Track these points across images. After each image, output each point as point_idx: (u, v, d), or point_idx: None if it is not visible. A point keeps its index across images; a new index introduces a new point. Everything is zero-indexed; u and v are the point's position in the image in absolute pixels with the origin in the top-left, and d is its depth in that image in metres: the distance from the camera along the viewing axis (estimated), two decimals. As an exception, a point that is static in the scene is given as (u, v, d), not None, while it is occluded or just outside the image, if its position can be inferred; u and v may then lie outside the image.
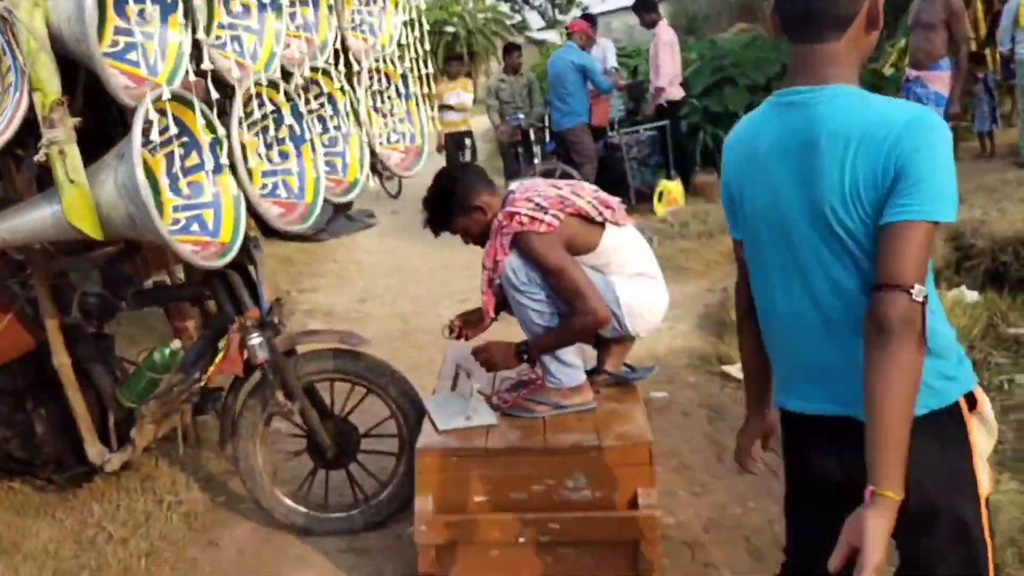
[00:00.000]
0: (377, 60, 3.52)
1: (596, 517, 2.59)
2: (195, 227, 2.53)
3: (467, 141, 9.76)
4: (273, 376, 3.10)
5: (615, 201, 2.84)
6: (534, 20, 47.80)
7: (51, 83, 2.19)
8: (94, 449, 3.23)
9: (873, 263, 1.44)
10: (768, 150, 1.57)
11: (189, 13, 2.50)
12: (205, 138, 2.50)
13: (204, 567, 3.17)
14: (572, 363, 2.84)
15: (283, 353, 3.16)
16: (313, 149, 2.95)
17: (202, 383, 3.16)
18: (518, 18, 45.59)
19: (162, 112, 2.37)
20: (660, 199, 8.01)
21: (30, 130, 2.24)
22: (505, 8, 43.07)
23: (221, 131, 2.55)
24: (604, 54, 8.95)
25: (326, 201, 3.04)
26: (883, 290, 1.39)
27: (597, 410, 2.85)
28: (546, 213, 2.65)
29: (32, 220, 2.40)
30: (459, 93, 9.56)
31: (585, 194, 2.75)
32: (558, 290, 2.67)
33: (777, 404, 1.76)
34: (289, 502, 3.33)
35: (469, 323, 3.15)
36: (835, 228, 1.48)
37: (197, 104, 2.44)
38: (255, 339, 3.03)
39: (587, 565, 2.64)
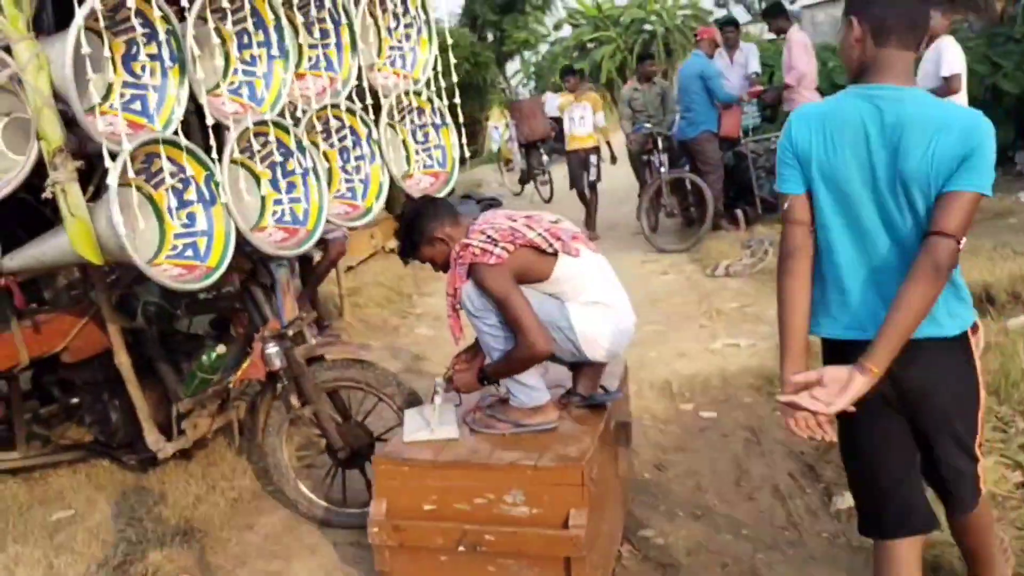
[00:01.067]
0: (409, 93, 3.80)
1: (528, 533, 2.73)
2: (189, 252, 2.92)
3: (592, 159, 9.40)
4: (288, 382, 3.47)
5: (569, 232, 2.96)
6: (739, 15, 46.59)
7: (54, 133, 2.63)
8: (151, 437, 3.72)
9: (927, 218, 1.94)
10: (857, 128, 2.01)
11: (186, 66, 2.87)
12: (199, 175, 2.87)
13: (232, 547, 3.59)
14: (533, 385, 2.99)
15: (306, 361, 3.53)
16: (317, 180, 3.27)
17: (231, 384, 3.58)
18: (722, 13, 44.58)
19: (156, 155, 2.77)
20: (786, 209, 7.78)
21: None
22: (708, 3, 42.25)
23: (215, 169, 2.91)
24: (746, 59, 8.78)
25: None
26: (942, 236, 1.89)
27: (558, 430, 2.98)
28: (496, 245, 2.82)
29: (53, 247, 2.88)
30: (585, 106, 9.31)
31: (537, 226, 2.90)
32: (505, 319, 2.84)
33: (823, 334, 2.15)
34: (311, 495, 3.69)
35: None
36: (911, 189, 1.96)
37: (187, 145, 2.81)
38: (272, 348, 3.42)
39: (527, 576, 2.79)
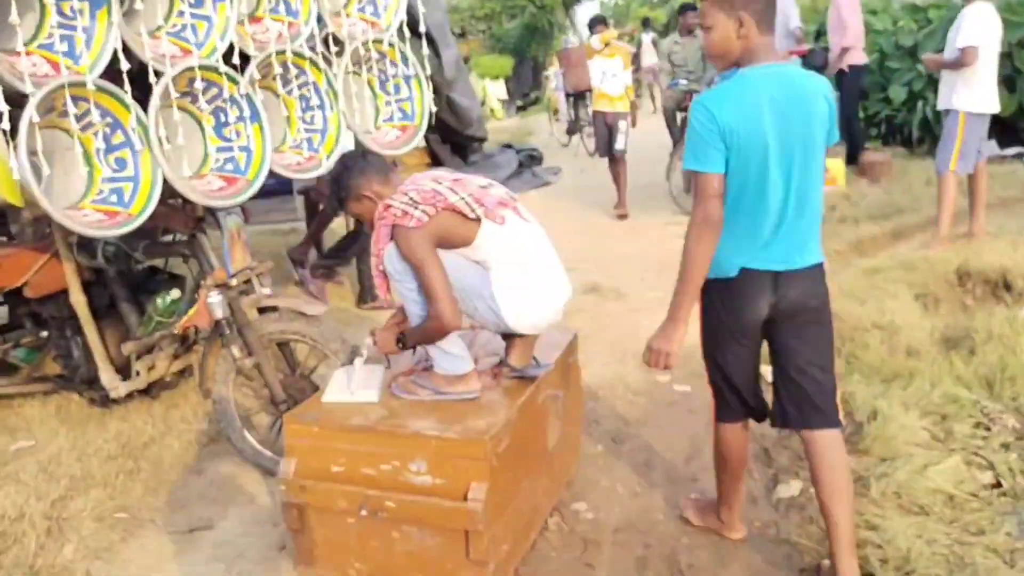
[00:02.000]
0: (379, 41, 3.70)
1: (428, 502, 2.68)
2: (113, 198, 2.90)
3: (621, 125, 8.20)
4: (232, 331, 3.46)
5: (496, 199, 2.84)
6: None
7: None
8: (107, 375, 3.78)
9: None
10: (765, 103, 2.36)
11: (115, 9, 2.82)
12: (125, 119, 2.83)
13: (177, 490, 3.64)
14: (455, 353, 2.91)
15: (254, 312, 3.51)
16: (261, 128, 3.21)
17: (176, 331, 3.59)
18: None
19: (81, 98, 2.74)
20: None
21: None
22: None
23: (143, 115, 2.87)
24: (786, 14, 8.37)
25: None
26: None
27: (479, 401, 2.91)
28: (417, 207, 2.73)
29: None
30: (617, 61, 8.14)
31: (462, 189, 2.79)
32: (419, 285, 2.76)
33: (739, 267, 2.51)
34: (257, 445, 3.71)
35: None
36: (817, 146, 2.43)
37: (105, 86, 2.77)
38: (215, 297, 3.40)
39: (429, 546, 2.75)
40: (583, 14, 29.95)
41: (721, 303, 2.61)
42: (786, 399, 2.65)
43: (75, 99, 2.76)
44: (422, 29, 3.75)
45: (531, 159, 11.64)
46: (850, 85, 7.72)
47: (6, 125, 2.59)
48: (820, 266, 2.56)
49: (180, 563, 3.14)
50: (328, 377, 3.12)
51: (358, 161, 2.95)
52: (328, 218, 6.31)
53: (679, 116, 8.69)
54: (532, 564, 2.99)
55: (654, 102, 15.42)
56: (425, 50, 3.77)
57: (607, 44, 8.20)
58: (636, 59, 15.18)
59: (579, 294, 5.92)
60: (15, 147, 2.60)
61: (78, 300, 3.63)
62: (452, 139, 9.45)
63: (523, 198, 9.47)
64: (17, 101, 2.73)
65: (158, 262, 4.27)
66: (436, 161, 9.36)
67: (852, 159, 7.80)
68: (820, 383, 2.59)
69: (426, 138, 7.39)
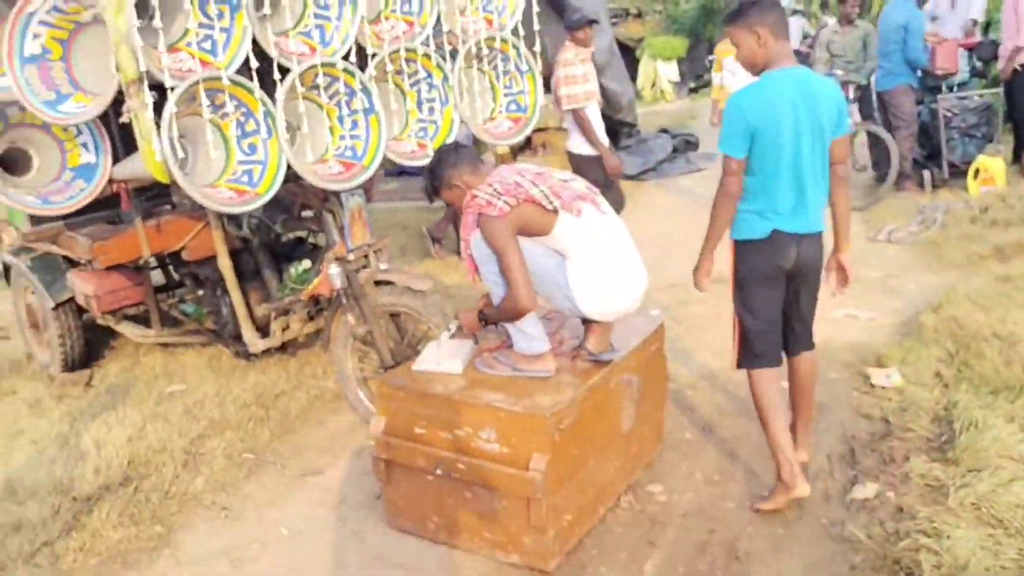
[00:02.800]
0: (495, 39, 3.95)
1: (495, 468, 2.94)
2: (244, 178, 3.31)
3: None
4: (347, 300, 3.84)
5: (575, 192, 3.03)
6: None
7: (130, 66, 3.06)
8: (248, 334, 4.26)
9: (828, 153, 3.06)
10: (784, 100, 2.94)
11: (250, 12, 3.21)
12: (256, 109, 3.24)
13: (298, 438, 4.08)
14: (533, 334, 3.14)
15: (371, 284, 3.88)
16: (378, 120, 3.54)
17: (303, 297, 4.01)
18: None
19: (219, 91, 3.16)
20: (975, 176, 7.11)
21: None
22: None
23: (271, 106, 3.26)
24: (970, 3, 7.95)
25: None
26: (843, 164, 3.16)
27: (552, 380, 3.13)
28: (500, 198, 2.97)
29: (139, 164, 3.36)
30: None
31: (542, 183, 3.00)
32: (500, 269, 3.00)
33: (771, 228, 3.07)
34: (369, 404, 4.09)
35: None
36: (825, 136, 3.00)
37: (238, 80, 3.17)
38: (334, 269, 3.79)
39: (496, 508, 3.01)
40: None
41: (757, 258, 3.14)
42: (790, 335, 3.36)
43: (214, 91, 3.18)
44: (535, 27, 3.96)
45: (687, 144, 11.55)
46: (1016, 87, 7.25)
47: (151, 113, 3.03)
48: (821, 233, 3.19)
49: (290, 502, 3.55)
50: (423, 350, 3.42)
51: (451, 153, 3.22)
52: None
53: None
54: (597, 536, 3.18)
55: None
56: (537, 47, 3.99)
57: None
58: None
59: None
60: (159, 132, 3.04)
61: (224, 264, 4.12)
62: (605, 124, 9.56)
63: (673, 183, 9.39)
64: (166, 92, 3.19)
65: (303, 233, 4.74)
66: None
67: (1017, 158, 7.34)
68: (810, 321, 3.40)
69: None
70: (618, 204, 5.77)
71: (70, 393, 4.68)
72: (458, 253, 6.76)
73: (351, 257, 3.83)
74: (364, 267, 3.89)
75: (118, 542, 3.23)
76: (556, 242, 3.04)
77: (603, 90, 8.85)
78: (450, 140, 3.85)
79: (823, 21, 14.99)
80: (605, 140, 5.82)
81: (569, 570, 3.00)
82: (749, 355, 3.31)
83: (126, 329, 4.73)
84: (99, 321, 4.74)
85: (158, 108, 3.11)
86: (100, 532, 3.25)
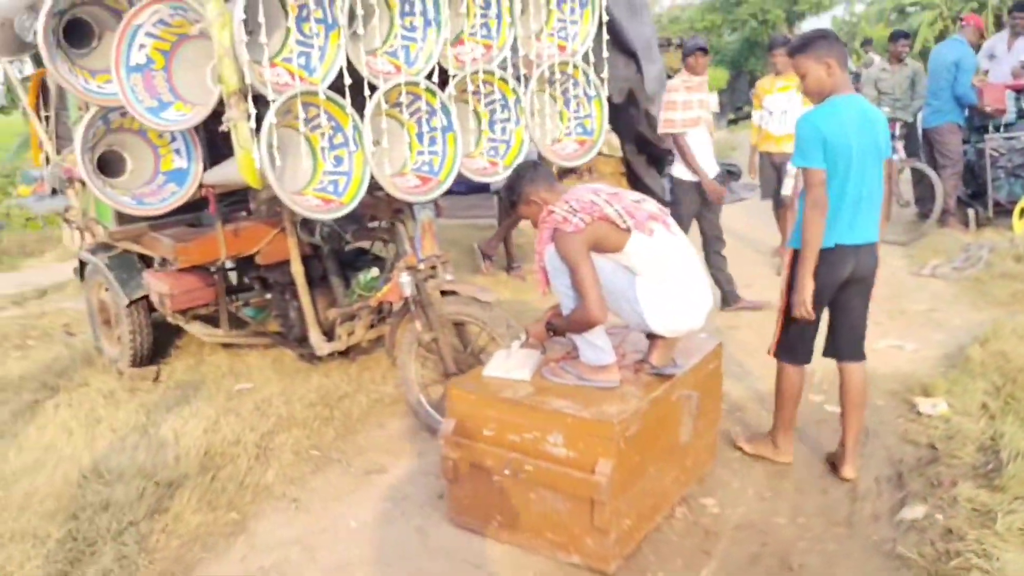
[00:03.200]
0: (568, 64, 4.14)
1: (562, 471, 3.08)
2: (330, 188, 3.50)
3: (790, 167, 6.58)
4: (415, 308, 4.02)
5: (647, 212, 3.19)
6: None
7: (231, 79, 3.27)
8: (315, 337, 4.45)
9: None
10: (851, 121, 3.30)
11: (344, 31, 3.41)
12: (345, 123, 3.43)
13: (359, 438, 4.25)
14: (600, 346, 3.29)
15: (437, 293, 4.05)
16: (455, 137, 3.73)
17: (372, 304, 4.19)
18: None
19: (312, 105, 3.36)
20: (1021, 216, 7.19)
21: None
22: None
23: (359, 121, 3.46)
24: (1019, 50, 8.06)
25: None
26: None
27: (617, 390, 3.28)
28: (575, 215, 3.14)
29: (234, 170, 3.57)
30: (791, 96, 6.81)
31: (617, 202, 3.16)
32: (572, 282, 3.16)
33: (834, 242, 3.40)
34: (430, 409, 4.25)
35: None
36: (880, 155, 3.40)
37: (333, 97, 3.37)
38: (405, 278, 3.97)
39: (559, 509, 3.15)
40: (808, 29, 29.11)
41: (818, 268, 3.40)
42: (841, 340, 3.66)
43: (307, 105, 3.38)
44: (604, 54, 4.14)
45: (729, 174, 11.68)
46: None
47: (253, 124, 3.24)
48: (876, 244, 3.52)
49: (356, 498, 3.71)
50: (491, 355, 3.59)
51: (529, 170, 3.40)
52: (519, 218, 6.84)
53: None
54: (653, 543, 3.31)
55: None
56: (604, 73, 4.17)
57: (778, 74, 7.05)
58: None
59: (749, 309, 6.11)
60: (258, 142, 3.24)
61: (297, 270, 4.31)
62: (648, 151, 9.74)
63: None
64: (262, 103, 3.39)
65: (365, 244, 4.94)
66: (631, 171, 9.67)
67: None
68: (863, 330, 3.63)
69: (622, 148, 7.76)
70: (716, 230, 5.94)
71: (140, 387, 4.88)
72: (507, 270, 6.94)
73: (421, 267, 4.01)
74: (432, 277, 4.06)
75: (197, 526, 3.41)
76: (627, 259, 3.20)
77: (651, 119, 9.04)
78: (520, 159, 4.03)
79: (867, 58, 15.11)
80: (711, 166, 5.91)
81: (627, 574, 3.13)
82: (786, 349, 3.69)
83: (195, 328, 4.94)
84: (169, 319, 4.95)
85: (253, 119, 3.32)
86: (181, 516, 3.43)
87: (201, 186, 4.03)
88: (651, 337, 3.41)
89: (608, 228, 3.16)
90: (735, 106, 23.58)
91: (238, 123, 3.32)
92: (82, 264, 5.37)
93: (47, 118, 5.21)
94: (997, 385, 4.41)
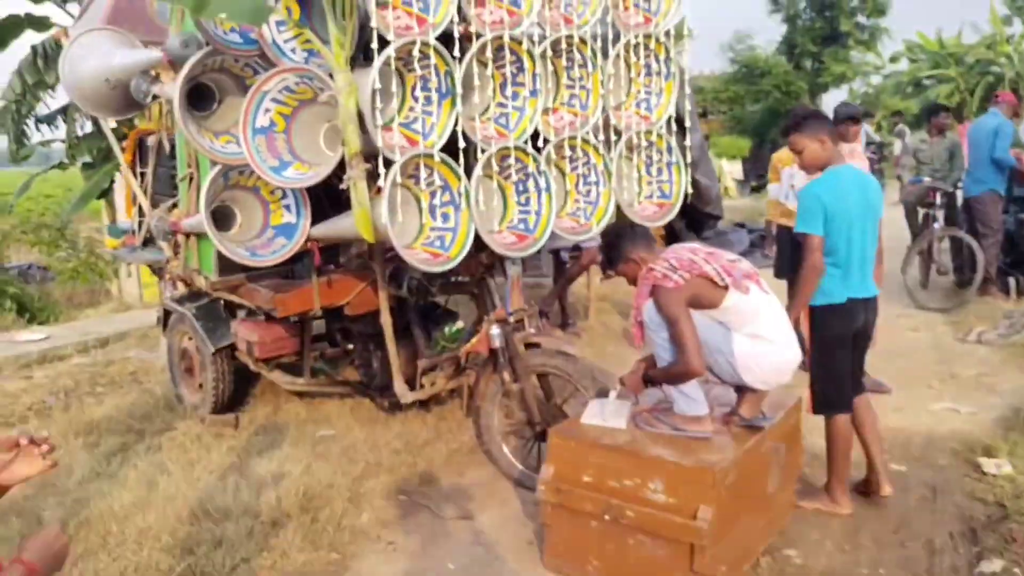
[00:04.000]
0: (650, 132, 4.40)
1: (662, 517, 3.23)
2: (437, 243, 3.73)
3: None
4: (504, 360, 4.21)
5: (743, 271, 3.40)
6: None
7: (354, 142, 3.53)
8: (399, 385, 4.63)
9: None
10: (848, 189, 3.75)
11: (457, 100, 3.68)
12: (454, 184, 3.68)
13: (443, 486, 4.41)
14: (694, 397, 3.47)
15: (521, 346, 4.25)
16: (550, 198, 3.96)
17: (460, 354, 4.39)
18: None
19: (425, 165, 3.61)
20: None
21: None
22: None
23: (465, 181, 3.70)
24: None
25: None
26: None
27: (711, 440, 3.45)
28: (675, 272, 3.35)
29: (345, 224, 3.81)
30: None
31: (715, 261, 3.37)
32: (670, 336, 3.36)
33: (847, 296, 3.79)
34: (511, 458, 4.41)
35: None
36: (875, 216, 3.84)
37: (446, 160, 3.63)
38: (495, 330, 4.18)
39: (658, 555, 3.30)
40: (829, 101, 29.73)
41: (836, 322, 3.82)
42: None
43: (418, 166, 3.63)
44: (687, 124, 4.40)
45: (763, 239, 11.94)
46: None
47: (382, 183, 3.49)
48: (877, 296, 3.95)
49: (449, 542, 3.86)
50: (583, 405, 3.76)
51: (629, 231, 3.62)
52: (574, 277, 7.08)
53: (920, 212, 8.76)
54: (746, 587, 3.44)
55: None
56: (688, 142, 4.42)
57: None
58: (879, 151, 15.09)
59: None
60: (380, 200, 3.49)
61: (386, 320, 4.52)
62: (689, 214, 10.01)
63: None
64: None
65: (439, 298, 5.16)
66: (671, 233, 9.94)
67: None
68: (862, 369, 4.10)
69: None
70: None
71: (224, 432, 5.06)
72: (562, 327, 7.13)
73: (510, 320, 4.21)
74: (518, 330, 4.27)
75: (303, 564, 3.56)
76: (723, 315, 3.39)
77: (695, 184, 9.32)
78: (607, 220, 4.26)
79: (900, 129, 15.47)
80: None
81: (723, 618, 3.25)
82: (828, 403, 3.91)
83: (276, 376, 5.14)
84: (252, 367, 5.15)
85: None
86: (287, 553, 3.58)
87: (307, 240, 4.27)
88: (740, 390, 3.59)
89: (706, 285, 3.36)
90: (757, 174, 24.01)
91: (358, 182, 3.57)
92: (166, 313, 5.60)
93: (142, 174, 5.50)
94: (1013, 424, 4.56)
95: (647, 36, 4.23)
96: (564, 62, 4.12)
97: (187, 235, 4.65)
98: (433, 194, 3.71)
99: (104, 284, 11.53)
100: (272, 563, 3.53)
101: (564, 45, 4.01)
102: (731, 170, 21.86)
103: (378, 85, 3.36)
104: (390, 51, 3.40)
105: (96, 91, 4.74)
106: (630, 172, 4.41)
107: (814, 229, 3.70)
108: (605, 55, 4.12)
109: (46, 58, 9.78)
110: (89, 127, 10.67)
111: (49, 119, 11.11)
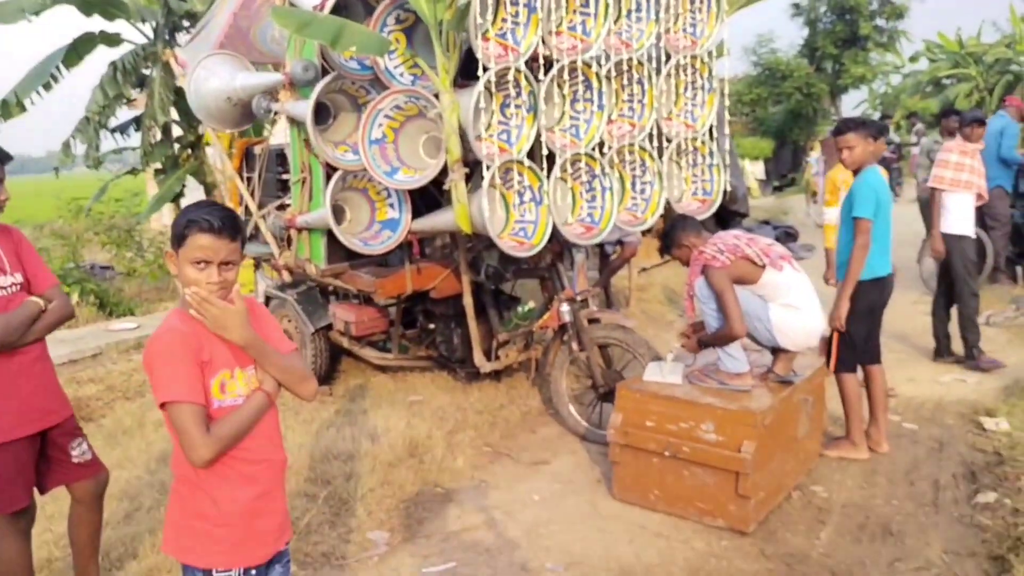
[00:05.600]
0: (697, 139, 5.18)
1: (711, 451, 4.00)
2: (521, 233, 4.52)
3: None
4: (572, 333, 4.99)
5: (779, 253, 4.16)
6: None
7: (455, 151, 4.33)
8: (479, 357, 5.42)
9: None
10: (882, 184, 4.67)
11: (540, 115, 4.47)
12: (534, 184, 4.47)
13: (519, 440, 5.19)
14: (737, 357, 4.24)
15: (586, 321, 5.03)
16: (612, 195, 4.74)
17: (533, 329, 5.18)
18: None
19: (510, 169, 4.40)
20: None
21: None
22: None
23: (545, 181, 4.49)
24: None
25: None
26: None
27: (751, 392, 4.21)
28: (722, 254, 4.12)
29: (442, 219, 4.60)
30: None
31: (755, 245, 4.14)
32: (718, 306, 4.12)
33: (882, 273, 4.69)
34: (577, 416, 5.19)
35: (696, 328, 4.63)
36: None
37: (530, 164, 4.42)
38: (564, 307, 4.96)
39: (708, 483, 4.06)
40: (848, 101, 30.29)
41: (875, 293, 4.69)
42: (876, 350, 4.90)
43: (509, 170, 4.42)
44: (725, 131, 5.17)
45: (787, 236, 12.66)
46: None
47: (484, 183, 4.28)
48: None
49: (531, 480, 4.64)
50: (645, 368, 4.53)
51: (682, 221, 4.39)
52: (617, 268, 7.85)
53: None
54: (779, 515, 4.19)
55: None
56: (727, 146, 5.19)
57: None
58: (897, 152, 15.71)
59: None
60: (475, 197, 4.28)
61: (468, 302, 5.32)
62: (718, 212, 10.75)
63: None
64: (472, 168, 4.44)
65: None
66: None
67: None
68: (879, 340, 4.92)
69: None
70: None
71: (323, 399, 5.88)
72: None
73: (577, 299, 4.99)
74: (584, 307, 5.05)
75: (416, 494, 4.36)
76: (761, 289, 4.16)
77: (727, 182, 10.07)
78: (658, 216, 5.03)
79: (919, 128, 16.11)
80: (967, 228, 6.62)
81: (761, 534, 4.01)
82: (847, 363, 4.77)
83: (368, 352, 5.95)
84: (345, 345, 5.96)
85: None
86: (403, 486, 4.38)
87: (410, 232, 5.07)
88: (775, 352, 4.35)
89: (747, 265, 4.13)
90: (779, 174, 24.67)
91: (458, 183, 4.37)
92: (267, 299, 6.42)
93: (248, 179, 6.33)
94: None
95: (693, 57, 5.00)
96: (623, 80, 4.90)
97: (299, 230, 5.46)
98: (519, 193, 4.50)
99: (171, 280, 12.38)
100: (392, 492, 4.33)
101: (625, 67, 4.79)
102: (754, 170, 22.54)
103: (483, 104, 4.15)
104: (490, 75, 4.18)
105: (218, 107, 5.58)
106: (678, 173, 5.18)
107: (868, 213, 4.54)
108: (658, 73, 4.89)
109: (125, 73, 10.70)
110: (160, 136, 11.58)
111: (122, 128, 12.03)
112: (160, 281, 12.54)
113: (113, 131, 11.64)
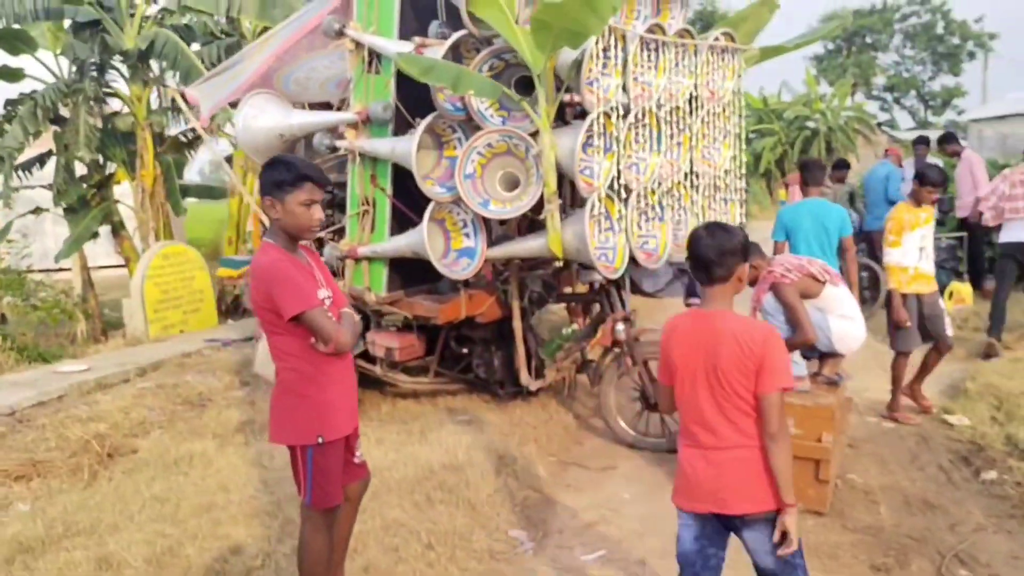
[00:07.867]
0: (719, 178, 5.90)
1: (795, 443, 4.63)
2: (604, 259, 5.04)
3: (941, 303, 6.42)
4: (624, 349, 5.54)
5: (834, 273, 4.91)
6: (903, 120, 47.57)
7: (552, 184, 4.81)
8: (524, 377, 5.84)
9: None
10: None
11: (619, 153, 5.04)
12: (613, 212, 5.02)
13: (575, 451, 5.64)
14: (798, 362, 4.93)
15: (633, 338, 5.59)
16: (666, 227, 5.36)
17: (587, 348, 5.68)
18: (885, 117, 45.56)
19: (596, 201, 4.94)
20: (950, 297, 9.45)
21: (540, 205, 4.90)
22: (873, 107, 43.28)
23: (625, 211, 5.05)
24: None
25: (669, 262, 5.47)
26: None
27: (812, 392, 4.90)
28: (791, 272, 4.82)
29: (532, 245, 5.05)
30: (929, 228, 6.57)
31: (815, 266, 4.87)
32: (789, 319, 4.81)
33: None
34: (624, 426, 5.71)
35: None
36: None
37: (613, 197, 4.97)
38: (620, 327, 5.50)
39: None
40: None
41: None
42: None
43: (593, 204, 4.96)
44: (742, 170, 5.94)
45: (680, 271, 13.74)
46: (973, 233, 9.80)
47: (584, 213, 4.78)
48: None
49: (607, 484, 5.11)
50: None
51: (751, 244, 5.05)
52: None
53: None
54: (837, 499, 4.88)
55: None
56: (742, 183, 5.96)
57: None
58: None
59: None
60: (567, 225, 4.77)
61: (517, 326, 5.74)
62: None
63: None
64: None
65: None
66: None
67: (977, 285, 9.80)
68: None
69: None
70: None
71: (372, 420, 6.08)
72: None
73: (631, 319, 5.56)
74: (632, 326, 5.61)
75: (524, 498, 4.74)
76: (821, 302, 4.89)
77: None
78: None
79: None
80: None
81: (832, 512, 4.69)
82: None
83: (401, 378, 6.22)
84: (378, 372, 6.21)
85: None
86: (512, 492, 4.74)
87: (485, 260, 5.45)
88: (823, 356, 5.09)
89: (810, 282, 4.85)
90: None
91: (554, 213, 4.85)
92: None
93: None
94: (995, 405, 6.33)
95: (721, 107, 5.75)
96: (675, 125, 5.57)
97: (357, 260, 5.69)
98: (598, 223, 5.03)
99: (74, 325, 11.82)
100: (505, 498, 4.68)
101: (670, 114, 5.46)
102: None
103: (580, 143, 4.68)
104: (591, 119, 4.72)
105: (268, 143, 5.76)
106: (703, 205, 5.90)
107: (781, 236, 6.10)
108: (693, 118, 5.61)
109: (44, 109, 10.32)
110: (66, 175, 11.16)
111: (26, 166, 11.48)
112: (61, 325, 11.95)
113: (17, 168, 11.11)
